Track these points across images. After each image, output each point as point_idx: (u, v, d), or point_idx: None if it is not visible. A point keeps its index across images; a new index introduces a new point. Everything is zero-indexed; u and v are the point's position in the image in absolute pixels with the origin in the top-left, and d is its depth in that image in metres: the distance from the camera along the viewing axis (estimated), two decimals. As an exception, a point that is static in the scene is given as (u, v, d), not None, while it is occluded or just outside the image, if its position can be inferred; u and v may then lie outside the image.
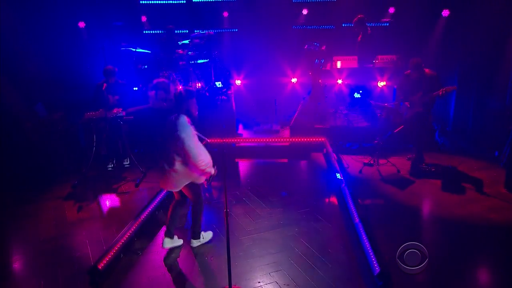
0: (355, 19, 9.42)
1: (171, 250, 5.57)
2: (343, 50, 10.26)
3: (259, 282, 4.95)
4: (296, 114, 9.73)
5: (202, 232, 5.72)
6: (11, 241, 5.99)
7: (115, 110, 7.24)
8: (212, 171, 5.23)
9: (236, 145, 8.74)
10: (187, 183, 5.31)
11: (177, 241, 5.66)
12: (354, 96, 9.54)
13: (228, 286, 4.58)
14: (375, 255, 4.92)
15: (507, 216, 6.24)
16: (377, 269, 4.73)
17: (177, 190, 5.40)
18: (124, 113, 7.32)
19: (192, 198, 5.48)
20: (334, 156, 7.84)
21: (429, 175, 7.47)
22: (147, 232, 5.96)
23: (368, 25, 11.14)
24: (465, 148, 8.89)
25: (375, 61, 9.65)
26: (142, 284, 5.00)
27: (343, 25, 11.19)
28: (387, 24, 11.12)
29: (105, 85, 7.46)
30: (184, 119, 5.12)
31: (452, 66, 9.62)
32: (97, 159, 7.52)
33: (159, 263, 5.34)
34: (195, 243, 5.64)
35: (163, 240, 5.56)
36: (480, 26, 8.84)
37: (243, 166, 8.34)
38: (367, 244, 5.17)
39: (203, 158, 5.09)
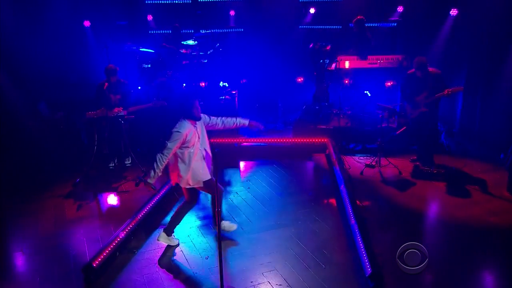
0: (354, 19, 9.35)
1: (167, 249, 5.61)
2: (360, 48, 10.12)
3: (251, 282, 4.95)
4: (300, 114, 9.70)
5: (228, 222, 5.87)
6: (11, 238, 6.07)
7: (116, 109, 7.29)
8: (150, 180, 5.27)
9: (238, 145, 8.73)
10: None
11: (173, 241, 5.69)
12: (359, 97, 9.48)
13: (220, 286, 4.60)
14: (368, 256, 4.89)
15: (507, 219, 6.14)
16: (369, 270, 4.70)
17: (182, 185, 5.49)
18: (125, 112, 7.36)
19: (208, 192, 5.60)
20: (335, 157, 7.80)
21: (431, 177, 7.36)
22: (143, 231, 5.99)
23: (376, 25, 11.09)
24: (471, 150, 8.76)
25: (381, 61, 9.54)
26: (136, 282, 5.03)
27: (351, 25, 11.11)
28: (395, 25, 11.01)
29: (106, 84, 7.50)
30: (182, 124, 5.24)
31: (459, 67, 9.48)
32: (98, 158, 7.57)
33: (154, 262, 5.37)
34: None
35: (159, 233, 5.61)
36: (488, 26, 8.70)
37: (244, 166, 8.33)
38: (361, 245, 5.13)
39: (161, 162, 5.20)
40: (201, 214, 6.37)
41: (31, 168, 7.70)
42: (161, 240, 5.60)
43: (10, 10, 8.36)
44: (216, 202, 4.68)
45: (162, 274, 5.16)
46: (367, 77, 9.50)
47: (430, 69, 7.42)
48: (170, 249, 5.60)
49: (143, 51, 9.84)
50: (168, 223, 5.63)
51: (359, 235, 5.34)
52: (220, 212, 4.67)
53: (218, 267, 4.58)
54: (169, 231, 5.61)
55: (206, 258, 5.43)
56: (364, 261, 4.88)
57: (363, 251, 5.03)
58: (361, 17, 9.28)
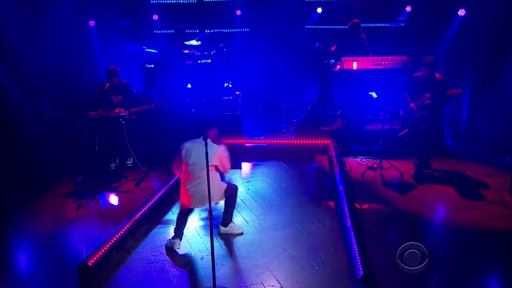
0: (349, 23, 9.30)
1: (163, 249, 5.64)
2: (357, 51, 10.07)
3: (244, 283, 4.98)
4: (304, 115, 9.66)
5: (233, 224, 6.00)
6: (10, 236, 6.14)
7: (117, 110, 7.34)
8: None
9: (240, 146, 8.73)
10: None
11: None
12: (364, 98, 9.40)
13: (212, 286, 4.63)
14: (361, 258, 4.87)
15: (508, 223, 6.06)
16: (361, 272, 4.68)
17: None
18: (126, 113, 7.40)
19: (229, 195, 5.79)
20: (336, 159, 7.75)
21: (433, 180, 7.29)
22: (141, 231, 6.03)
23: (383, 25, 11.00)
24: (477, 153, 8.61)
25: (386, 62, 9.44)
26: (130, 281, 5.09)
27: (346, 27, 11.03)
28: (403, 25, 10.91)
29: (107, 84, 7.54)
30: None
31: (466, 68, 9.36)
32: (100, 158, 7.60)
33: (149, 262, 5.41)
34: (222, 229, 5.95)
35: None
36: (495, 27, 8.56)
37: (245, 167, 8.31)
38: (355, 248, 5.11)
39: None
40: (203, 215, 6.33)
41: (33, 168, 7.76)
42: (175, 245, 5.65)
43: (14, 9, 8.42)
44: (210, 202, 4.72)
45: (156, 274, 5.19)
46: (372, 79, 9.41)
47: (437, 74, 7.37)
48: (167, 249, 5.63)
49: (147, 51, 9.88)
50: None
51: (354, 237, 5.31)
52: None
53: (211, 266, 4.61)
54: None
55: (201, 259, 5.45)
56: (357, 263, 4.86)
57: (356, 253, 5.01)
58: (357, 20, 9.24)
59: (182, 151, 5.43)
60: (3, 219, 6.48)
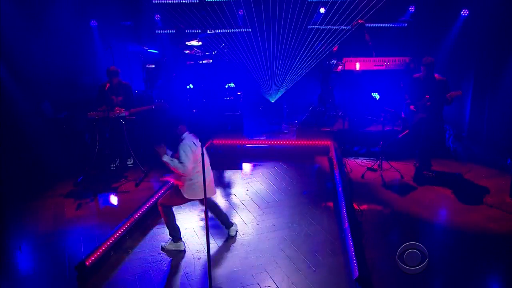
0: (354, 23, 9.28)
1: (161, 249, 5.66)
2: (359, 51, 10.05)
3: (241, 283, 4.98)
4: (306, 116, 9.65)
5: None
6: (10, 236, 6.18)
7: (117, 110, 7.36)
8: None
9: (241, 146, 8.74)
10: None
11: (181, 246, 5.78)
12: (365, 99, 9.38)
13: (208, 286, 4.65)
14: (356, 260, 4.86)
15: (507, 226, 6.02)
16: (357, 273, 4.67)
17: None
18: (126, 113, 7.43)
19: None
20: (336, 160, 7.74)
21: (433, 182, 7.26)
22: (139, 231, 6.06)
23: (386, 25, 10.97)
24: (478, 155, 8.56)
25: (387, 63, 9.41)
26: (127, 281, 5.12)
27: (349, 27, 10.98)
28: (406, 25, 10.87)
29: (108, 85, 7.58)
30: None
31: (468, 69, 9.31)
32: (100, 158, 7.64)
33: (147, 262, 5.43)
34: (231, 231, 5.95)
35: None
36: (497, 27, 8.53)
37: (246, 168, 8.32)
38: (351, 249, 5.10)
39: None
40: (203, 215, 6.22)
41: (33, 167, 7.80)
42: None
43: (15, 8, 8.42)
44: (206, 202, 4.73)
45: (154, 274, 5.21)
46: (373, 79, 9.39)
47: (436, 75, 7.34)
48: (165, 250, 5.64)
49: (148, 51, 9.89)
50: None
51: (351, 238, 5.30)
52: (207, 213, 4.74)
53: (207, 267, 4.64)
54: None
55: (199, 259, 5.46)
56: (353, 264, 4.85)
57: (353, 254, 5.00)
58: (362, 21, 9.24)
59: (194, 151, 5.42)
60: (3, 219, 6.52)
